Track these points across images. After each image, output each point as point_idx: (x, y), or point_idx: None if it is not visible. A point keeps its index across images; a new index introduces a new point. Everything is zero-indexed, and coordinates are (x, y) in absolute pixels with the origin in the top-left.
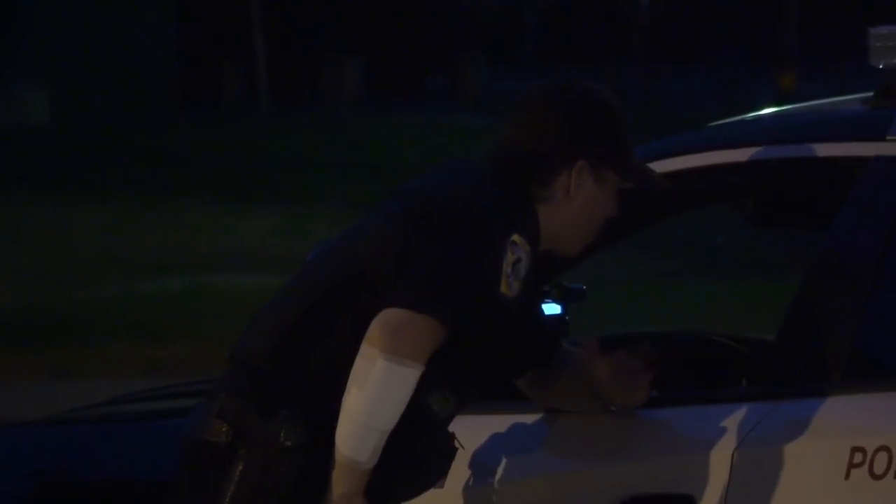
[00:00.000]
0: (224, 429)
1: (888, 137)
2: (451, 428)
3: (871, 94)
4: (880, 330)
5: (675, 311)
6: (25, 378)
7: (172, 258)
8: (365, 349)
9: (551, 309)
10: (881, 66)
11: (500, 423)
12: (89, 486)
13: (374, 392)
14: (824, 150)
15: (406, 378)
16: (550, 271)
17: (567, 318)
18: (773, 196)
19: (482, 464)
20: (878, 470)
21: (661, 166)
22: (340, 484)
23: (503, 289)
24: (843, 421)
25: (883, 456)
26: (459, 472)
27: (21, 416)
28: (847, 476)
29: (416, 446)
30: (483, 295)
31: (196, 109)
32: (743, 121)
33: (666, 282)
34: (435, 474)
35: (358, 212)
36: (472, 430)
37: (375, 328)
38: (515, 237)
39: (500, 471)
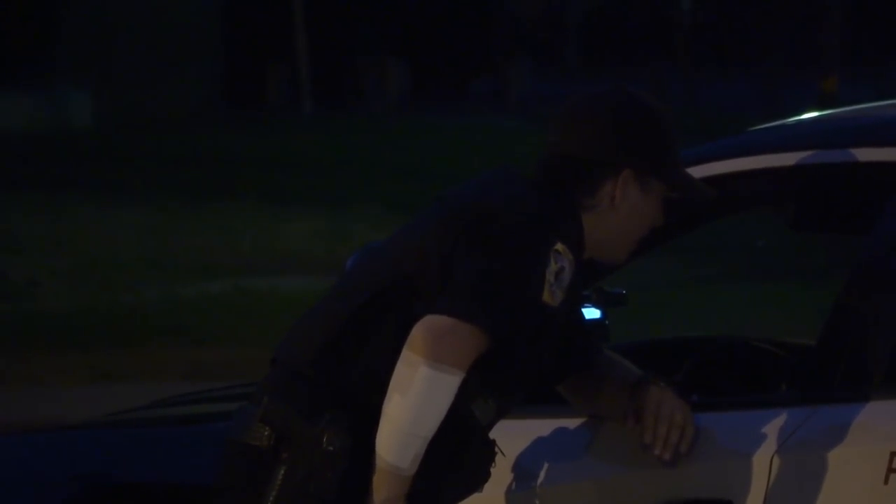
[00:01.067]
0: (267, 432)
1: None
2: (494, 433)
3: None
4: None
5: (715, 316)
6: (70, 381)
7: (215, 261)
8: (407, 355)
9: (591, 314)
10: None
11: (541, 427)
12: (134, 489)
13: (416, 399)
14: (866, 154)
15: (448, 385)
16: (592, 276)
17: (607, 322)
18: (815, 201)
19: (524, 468)
20: None
21: (703, 170)
22: (381, 490)
23: (546, 298)
24: (883, 426)
25: None
26: (501, 476)
27: (66, 418)
28: (886, 481)
29: (458, 452)
30: (526, 304)
31: (239, 111)
32: (784, 125)
33: (707, 286)
34: (477, 480)
35: (400, 215)
36: (514, 435)
37: (418, 334)
38: (559, 246)
39: (541, 475)
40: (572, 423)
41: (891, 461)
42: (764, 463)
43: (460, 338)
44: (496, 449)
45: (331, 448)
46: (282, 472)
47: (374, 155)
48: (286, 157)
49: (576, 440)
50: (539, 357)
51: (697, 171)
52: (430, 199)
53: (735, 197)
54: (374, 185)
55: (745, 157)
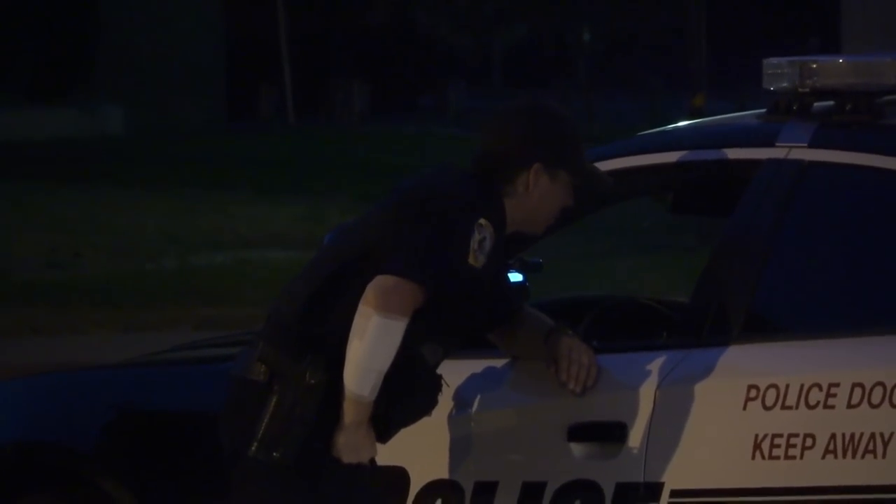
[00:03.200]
0: (263, 369)
1: (777, 144)
2: (440, 369)
3: (763, 110)
4: (771, 295)
5: (611, 280)
6: (104, 331)
7: (220, 238)
8: (362, 308)
9: (515, 277)
10: (772, 89)
11: (476, 366)
12: (156, 414)
13: (370, 341)
14: (729, 154)
15: (395, 329)
16: (515, 248)
17: (527, 285)
18: (689, 190)
19: (462, 398)
20: (769, 402)
21: (603, 166)
22: (349, 414)
23: (471, 261)
24: (742, 365)
25: (772, 391)
26: (445, 404)
27: (103, 360)
28: (745, 407)
29: (410, 385)
30: (454, 265)
31: (237, 122)
32: (664, 131)
33: (605, 257)
34: (426, 407)
35: (365, 203)
36: (455, 372)
37: (370, 291)
38: (482, 221)
39: (475, 404)
40: (499, 363)
41: (748, 392)
42: (649, 394)
43: (402, 292)
44: (442, 382)
45: (312, 381)
46: (274, 400)
47: (343, 156)
48: (274, 158)
49: (501, 376)
50: (471, 310)
51: (600, 166)
52: (387, 189)
53: (627, 187)
54: (344, 179)
55: (634, 155)
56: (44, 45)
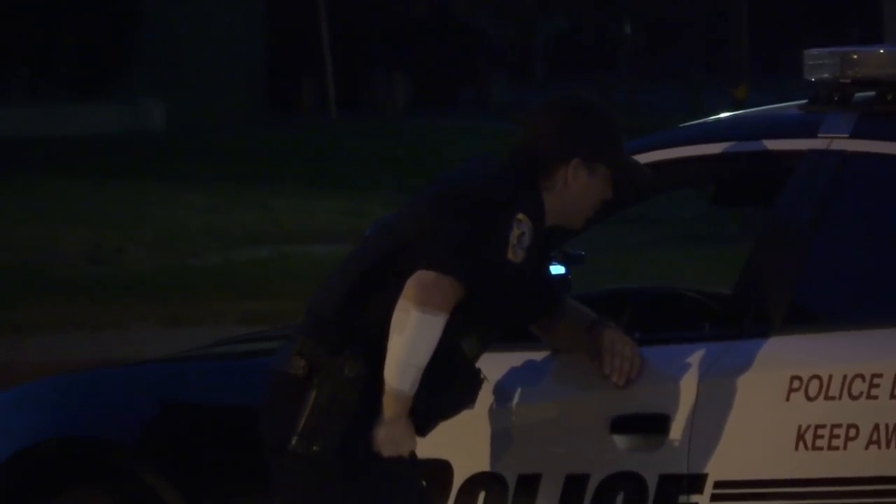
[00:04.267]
0: (302, 364)
1: (819, 135)
2: (479, 363)
3: (805, 101)
4: (812, 286)
5: (653, 272)
6: (147, 326)
7: (262, 233)
8: (401, 303)
9: (556, 270)
10: (813, 80)
11: (517, 359)
12: (199, 409)
13: (409, 336)
14: (770, 145)
15: (434, 324)
16: (557, 241)
17: (569, 277)
18: (731, 181)
19: (503, 391)
20: (812, 393)
21: (644, 158)
22: (389, 408)
23: (510, 256)
24: (784, 356)
25: (815, 382)
26: (485, 397)
27: (145, 355)
28: (787, 398)
29: (449, 379)
30: (493, 260)
31: (279, 116)
32: (706, 122)
33: (647, 249)
34: (466, 400)
35: (406, 196)
36: (495, 365)
37: (410, 286)
38: (520, 216)
39: (516, 397)
40: (539, 355)
41: (791, 383)
42: (692, 385)
43: (441, 287)
44: (481, 375)
45: (350, 375)
46: (313, 394)
47: (385, 150)
48: (316, 151)
49: (542, 369)
50: (511, 303)
51: (641, 158)
52: (427, 182)
53: (669, 178)
54: (386, 173)
55: (677, 147)
56: (86, 41)
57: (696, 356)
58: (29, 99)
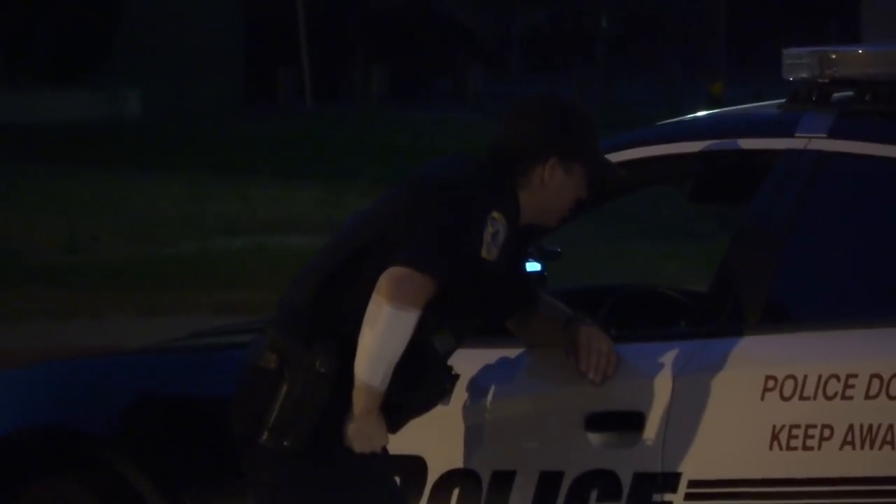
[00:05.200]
0: (273, 358)
1: (796, 134)
2: (452, 360)
3: (783, 100)
4: (789, 285)
5: (630, 268)
6: (121, 315)
7: (238, 222)
8: (375, 298)
9: (533, 266)
10: (791, 79)
11: (490, 355)
12: (174, 399)
13: (381, 331)
14: (747, 143)
15: (406, 320)
16: (533, 237)
17: (545, 274)
18: (708, 179)
19: (477, 387)
20: (787, 393)
21: (620, 156)
22: (360, 402)
23: (483, 253)
24: (758, 355)
25: (790, 382)
26: (459, 394)
27: (121, 345)
28: (762, 398)
29: (423, 375)
30: (467, 257)
31: (256, 105)
32: (683, 120)
33: (623, 245)
34: (437, 397)
35: (383, 187)
36: (469, 361)
37: (383, 281)
38: (495, 214)
39: (490, 393)
40: (514, 352)
41: (766, 382)
42: (667, 383)
43: (414, 284)
44: (453, 372)
45: (322, 370)
46: (284, 388)
47: (361, 140)
48: (292, 141)
49: (517, 365)
50: (486, 299)
51: (617, 157)
52: (404, 176)
53: (646, 176)
54: (362, 163)
55: (654, 144)
56: (63, 28)
57: (671, 354)
58: (5, 85)
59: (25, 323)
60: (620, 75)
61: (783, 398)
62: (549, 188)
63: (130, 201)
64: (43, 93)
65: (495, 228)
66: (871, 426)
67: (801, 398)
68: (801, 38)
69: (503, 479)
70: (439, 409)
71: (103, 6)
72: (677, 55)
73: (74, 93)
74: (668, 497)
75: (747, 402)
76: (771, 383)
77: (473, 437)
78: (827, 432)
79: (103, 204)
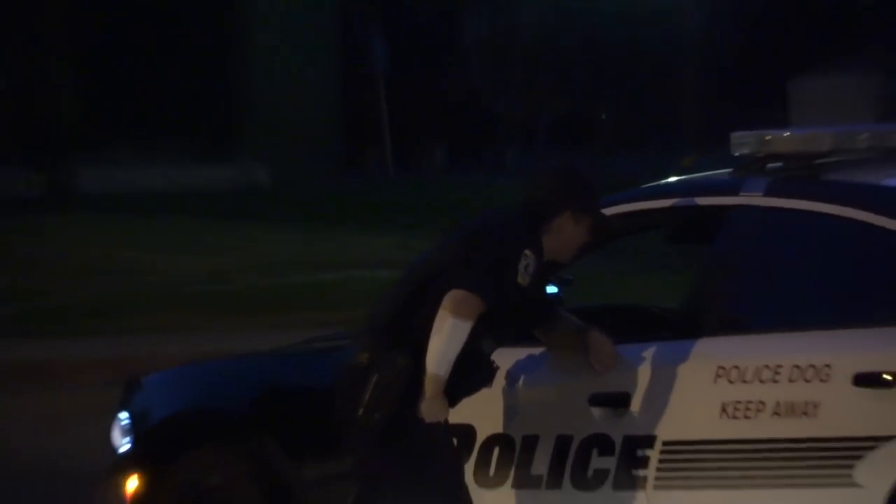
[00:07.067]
0: (366, 356)
1: (741, 194)
2: (494, 356)
3: (731, 169)
4: (735, 304)
5: (624, 292)
6: (250, 331)
7: (336, 261)
8: (441, 312)
9: (552, 290)
10: (736, 154)
11: (521, 353)
12: (294, 388)
13: (446, 336)
14: (708, 200)
15: (464, 329)
16: (553, 270)
17: (561, 295)
18: (681, 226)
19: (511, 376)
20: (732, 378)
21: (619, 209)
22: (430, 387)
23: (520, 280)
24: (713, 352)
25: (735, 371)
26: (499, 381)
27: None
28: (715, 381)
29: (472, 367)
30: (508, 283)
31: (351, 174)
32: (661, 184)
33: (621, 275)
34: (483, 383)
35: (443, 235)
36: (507, 358)
37: (448, 300)
38: (527, 252)
39: (521, 380)
40: (538, 351)
41: (717, 371)
42: (647, 372)
43: (470, 302)
44: (495, 365)
45: (401, 365)
46: (374, 379)
47: (429, 200)
48: (377, 200)
49: (541, 361)
50: (519, 314)
51: (615, 210)
52: (457, 226)
53: (638, 224)
54: (430, 217)
55: (643, 201)
56: (204, 113)
57: (651, 351)
58: (157, 159)
59: (177, 335)
60: (617, 151)
61: (729, 382)
62: (564, 234)
63: (257, 246)
64: (189, 167)
65: (527, 262)
66: (791, 402)
67: (743, 382)
68: (749, 123)
69: (530, 441)
70: (485, 391)
71: (237, 97)
72: (660, 135)
73: (213, 165)
74: (647, 452)
75: (704, 385)
76: (721, 371)
77: (509, 411)
78: (761, 406)
79: (238, 248)
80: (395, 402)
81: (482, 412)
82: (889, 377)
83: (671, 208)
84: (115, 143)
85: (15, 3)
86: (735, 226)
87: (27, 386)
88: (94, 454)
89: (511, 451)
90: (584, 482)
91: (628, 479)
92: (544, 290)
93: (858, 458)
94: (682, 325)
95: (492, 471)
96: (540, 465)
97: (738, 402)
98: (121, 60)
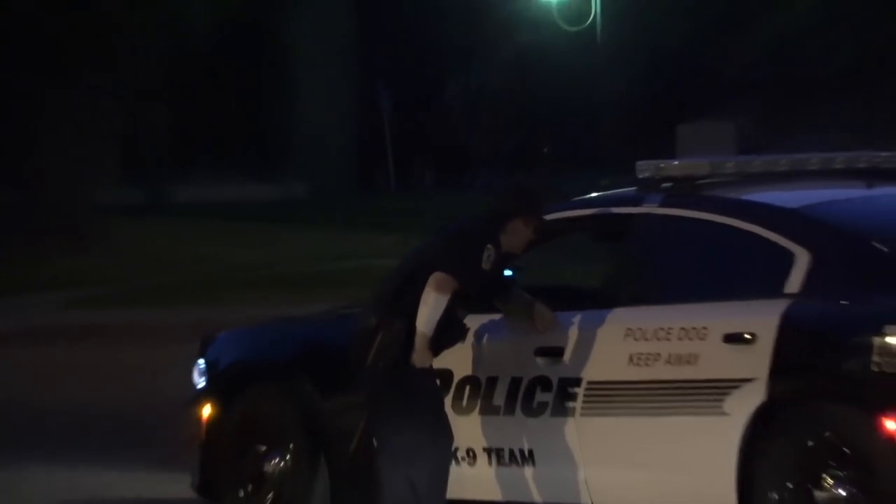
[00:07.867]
0: (373, 321)
1: (643, 205)
2: (466, 321)
3: (635, 188)
4: (641, 284)
5: (563, 276)
6: (291, 305)
7: (357, 253)
8: (427, 289)
9: (508, 273)
10: (640, 177)
11: (486, 318)
12: (324, 342)
13: (430, 306)
14: (618, 210)
15: (443, 300)
16: (508, 259)
17: (515, 278)
18: (601, 229)
19: (477, 335)
20: (637, 337)
21: (556, 216)
22: (419, 343)
23: (484, 266)
24: (625, 318)
25: (639, 331)
26: (469, 337)
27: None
28: (624, 339)
29: (450, 327)
30: (475, 268)
31: (363, 190)
32: (585, 197)
33: (560, 265)
34: (458, 338)
35: (431, 235)
36: (474, 322)
37: (432, 280)
38: (489, 246)
39: (484, 339)
40: (497, 317)
41: (626, 331)
42: (575, 332)
43: (447, 281)
44: (466, 326)
45: (398, 328)
46: (379, 336)
47: (422, 209)
48: (384, 210)
49: (499, 325)
50: (484, 290)
51: (557, 215)
52: (442, 228)
53: (570, 227)
54: (422, 222)
55: (572, 210)
56: (259, 144)
57: (580, 318)
58: (220, 179)
59: (239, 306)
60: (561, 173)
61: (635, 339)
62: (517, 233)
63: (300, 243)
64: (247, 182)
65: (489, 254)
66: (679, 354)
67: (644, 339)
68: (651, 155)
69: (492, 381)
70: (459, 345)
71: (283, 131)
72: (588, 162)
73: (265, 182)
74: (576, 390)
75: (617, 341)
76: (629, 332)
77: (477, 360)
78: (657, 356)
79: (281, 245)
80: (394, 353)
81: (457, 360)
82: (749, 336)
83: (593, 216)
84: (195, 165)
85: (121, 60)
86: (639, 228)
87: (127, 343)
88: (181, 389)
89: (478, 388)
90: (531, 411)
91: (563, 408)
92: (502, 273)
93: (726, 394)
94: (602, 299)
95: (464, 402)
96: (499, 398)
97: (641, 353)
98: (199, 102)
